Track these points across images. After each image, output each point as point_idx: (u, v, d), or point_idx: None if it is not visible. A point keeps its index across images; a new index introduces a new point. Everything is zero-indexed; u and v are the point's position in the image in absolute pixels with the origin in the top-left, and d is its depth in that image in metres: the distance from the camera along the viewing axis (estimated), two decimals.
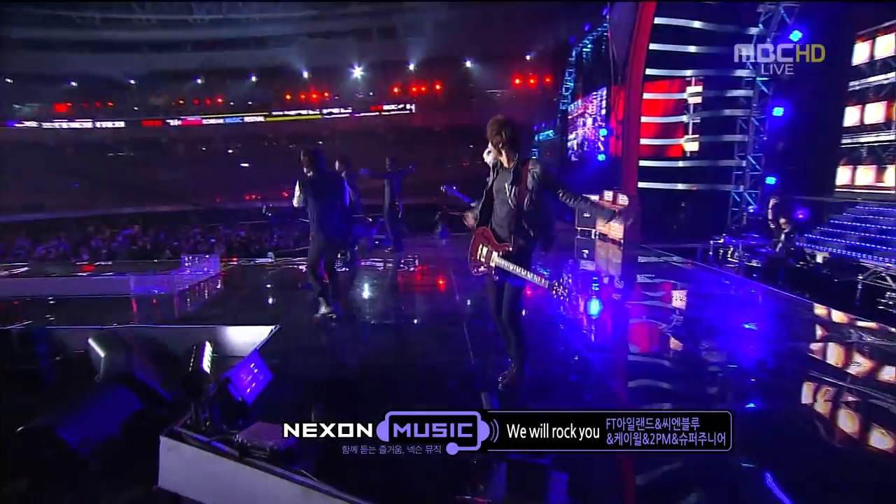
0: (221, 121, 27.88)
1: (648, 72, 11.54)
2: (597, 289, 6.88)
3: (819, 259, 8.67)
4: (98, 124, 27.50)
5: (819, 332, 5.02)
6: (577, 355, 4.18)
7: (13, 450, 2.84)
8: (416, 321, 5.11)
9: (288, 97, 28.17)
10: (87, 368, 3.88)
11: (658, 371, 4.03)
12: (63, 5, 25.29)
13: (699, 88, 11.83)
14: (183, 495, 2.61)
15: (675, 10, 11.13)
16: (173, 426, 2.70)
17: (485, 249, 3.26)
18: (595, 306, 5.80)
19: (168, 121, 27.84)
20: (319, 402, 3.16)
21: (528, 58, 25.19)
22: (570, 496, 2.29)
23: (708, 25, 11.08)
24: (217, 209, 21.65)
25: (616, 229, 10.00)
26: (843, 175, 10.18)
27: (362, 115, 27.30)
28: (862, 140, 9.74)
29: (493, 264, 3.20)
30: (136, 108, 28.30)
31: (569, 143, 17.80)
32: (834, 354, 4.34)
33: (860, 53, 9.80)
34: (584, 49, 16.21)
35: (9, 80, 26.85)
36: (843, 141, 10.08)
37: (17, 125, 26.85)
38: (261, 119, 27.82)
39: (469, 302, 5.57)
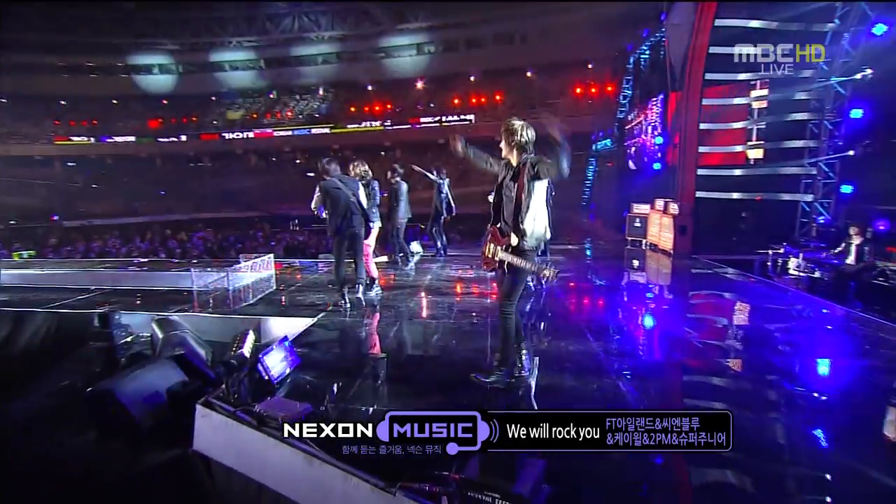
0: (290, 132, 29.80)
1: (708, 76, 11.05)
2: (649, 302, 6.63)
3: None
4: (182, 137, 30.43)
5: None
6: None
7: (83, 408, 3.38)
8: (443, 319, 5.26)
9: (353, 109, 29.67)
10: (150, 347, 4.46)
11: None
12: (160, 35, 28.63)
13: (764, 92, 11.15)
14: (211, 457, 2.98)
15: (736, 10, 10.61)
16: (208, 397, 3.10)
17: (492, 247, 3.38)
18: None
19: (244, 133, 30.22)
20: (340, 387, 3.43)
21: (589, 66, 25.00)
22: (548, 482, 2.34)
23: (771, 24, 10.44)
24: (284, 215, 23.11)
25: (666, 239, 9.66)
26: None
27: (423, 125, 28.17)
28: None
29: (497, 258, 3.32)
30: (214, 122, 31.02)
31: (627, 152, 17.33)
32: None
33: None
34: (642, 56, 15.74)
35: (114, 101, 30.56)
36: None
37: (111, 139, 30.22)
38: (326, 131, 29.43)
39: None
